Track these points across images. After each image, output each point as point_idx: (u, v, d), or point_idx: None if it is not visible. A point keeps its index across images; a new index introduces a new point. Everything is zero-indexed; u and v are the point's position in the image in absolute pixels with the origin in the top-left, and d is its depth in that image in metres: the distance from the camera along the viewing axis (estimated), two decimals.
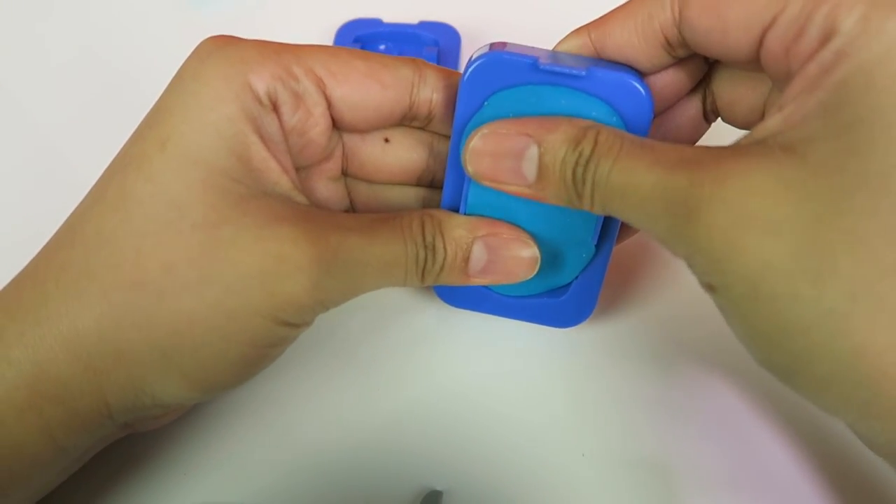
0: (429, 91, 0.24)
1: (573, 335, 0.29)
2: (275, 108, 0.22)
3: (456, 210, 0.25)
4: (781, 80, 0.19)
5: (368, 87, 0.23)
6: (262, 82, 0.21)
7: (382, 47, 0.37)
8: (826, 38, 0.17)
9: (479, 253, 0.24)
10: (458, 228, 0.24)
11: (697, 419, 0.27)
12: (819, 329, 0.17)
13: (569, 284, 0.26)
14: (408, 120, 0.25)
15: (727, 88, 0.23)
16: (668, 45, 0.22)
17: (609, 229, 0.25)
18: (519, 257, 0.24)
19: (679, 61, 0.23)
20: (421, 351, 0.29)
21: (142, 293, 0.20)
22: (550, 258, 0.25)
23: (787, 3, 0.18)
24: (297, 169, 0.24)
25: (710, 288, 0.19)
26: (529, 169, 0.21)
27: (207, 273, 0.20)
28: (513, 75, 0.22)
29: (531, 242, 0.24)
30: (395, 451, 0.26)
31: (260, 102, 0.21)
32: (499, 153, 0.21)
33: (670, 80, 0.23)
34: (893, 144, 0.16)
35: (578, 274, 0.26)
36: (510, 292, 0.26)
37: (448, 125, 0.24)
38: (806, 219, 0.17)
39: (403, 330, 0.29)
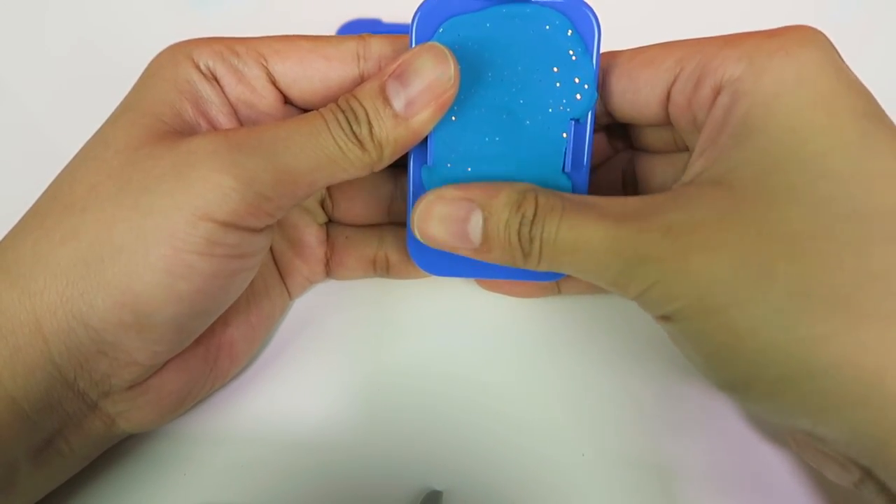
0: (376, 60, 0.24)
1: (574, 336, 0.29)
2: (216, 79, 0.24)
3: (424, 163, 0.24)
4: (688, 130, 0.23)
5: (311, 61, 0.24)
6: (202, 57, 0.23)
7: None
8: (719, 86, 0.21)
9: (394, 86, 0.22)
10: (367, 84, 0.22)
11: (698, 419, 0.27)
12: (766, 328, 0.18)
13: None
14: None
15: (646, 166, 0.27)
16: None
17: (577, 156, 0.24)
18: (435, 73, 0.22)
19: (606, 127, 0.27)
20: (421, 352, 0.29)
21: (70, 212, 0.21)
22: None
23: (685, 63, 0.22)
24: None
25: (665, 319, 0.21)
26: (475, 232, 0.22)
27: (125, 183, 0.21)
28: (462, 5, 0.23)
29: (440, 46, 0.22)
30: (395, 451, 0.26)
31: (199, 71, 0.23)
32: (445, 217, 0.23)
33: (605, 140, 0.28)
34: (804, 159, 0.19)
35: None
36: None
37: None
38: (740, 236, 0.19)
39: (403, 332, 0.29)
